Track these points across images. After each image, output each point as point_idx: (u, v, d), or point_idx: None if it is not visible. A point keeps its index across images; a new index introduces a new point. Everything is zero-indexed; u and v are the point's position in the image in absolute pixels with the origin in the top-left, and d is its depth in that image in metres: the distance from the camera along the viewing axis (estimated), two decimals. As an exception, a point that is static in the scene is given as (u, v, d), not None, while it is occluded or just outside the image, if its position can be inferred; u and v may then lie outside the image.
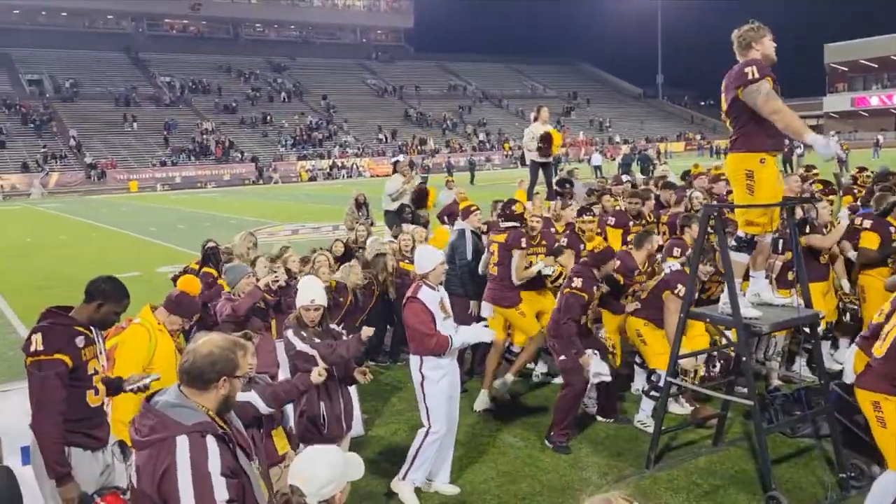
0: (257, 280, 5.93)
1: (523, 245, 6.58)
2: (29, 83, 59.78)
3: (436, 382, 4.88)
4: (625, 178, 13.56)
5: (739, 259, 4.79)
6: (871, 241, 6.74)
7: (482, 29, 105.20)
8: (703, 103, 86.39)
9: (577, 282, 5.75)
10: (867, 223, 6.82)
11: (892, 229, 6.71)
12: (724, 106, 4.64)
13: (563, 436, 5.67)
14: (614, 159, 41.18)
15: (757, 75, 4.40)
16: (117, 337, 4.50)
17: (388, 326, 8.26)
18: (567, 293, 5.77)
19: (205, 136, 55.59)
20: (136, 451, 2.61)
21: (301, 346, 4.41)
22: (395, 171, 11.77)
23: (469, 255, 7.05)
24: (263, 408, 3.61)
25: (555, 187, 10.00)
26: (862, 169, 11.16)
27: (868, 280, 6.77)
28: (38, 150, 49.45)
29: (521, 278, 6.50)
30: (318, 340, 4.43)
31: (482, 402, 6.58)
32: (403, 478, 4.94)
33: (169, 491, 2.45)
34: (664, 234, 7.68)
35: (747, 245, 4.73)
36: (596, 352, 5.76)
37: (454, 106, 71.25)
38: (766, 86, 4.37)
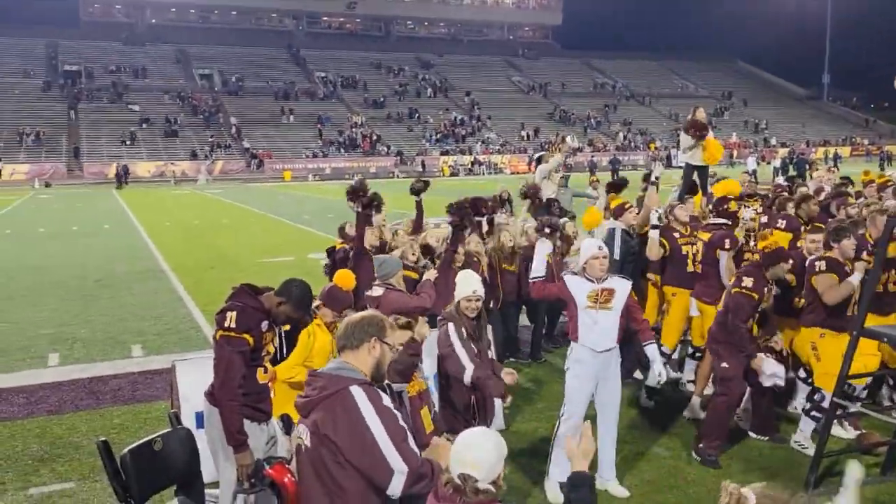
0: None
1: (727, 246, 6.37)
2: (200, 77, 64.76)
3: (574, 371, 4.94)
4: (781, 180, 12.73)
5: None
6: None
7: (631, 25, 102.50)
8: (873, 106, 79.61)
9: (748, 281, 5.42)
10: None
11: None
12: None
13: (713, 448, 5.43)
14: (769, 163, 38.91)
15: None
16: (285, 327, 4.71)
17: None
18: (736, 293, 5.45)
19: (354, 130, 57.88)
20: (304, 415, 2.86)
21: (459, 349, 4.44)
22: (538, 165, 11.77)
23: (617, 255, 6.88)
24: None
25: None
26: None
27: None
28: (205, 140, 53.50)
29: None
30: (472, 344, 4.49)
31: (693, 410, 6.35)
32: (548, 475, 4.96)
33: (357, 429, 2.68)
34: None
35: None
36: (768, 354, 5.48)
37: (599, 104, 70.01)
38: None
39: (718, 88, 78.08)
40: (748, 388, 5.74)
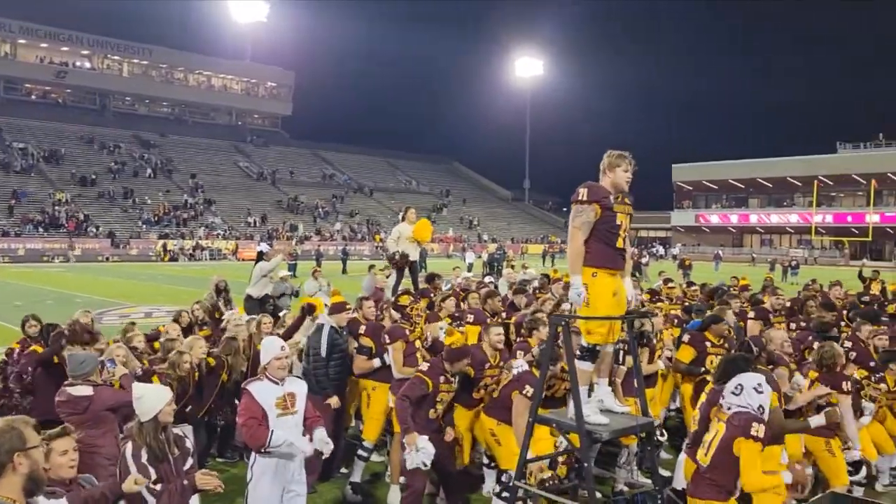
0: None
1: (387, 341, 6.76)
2: None
3: (258, 480, 4.76)
4: (488, 279, 13.99)
5: (583, 367, 4.95)
6: (686, 354, 7.22)
7: (359, 121, 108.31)
8: (565, 209, 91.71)
9: (425, 366, 5.92)
10: (686, 337, 7.28)
11: (707, 344, 7.12)
12: None
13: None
14: (480, 257, 42.60)
15: (585, 198, 4.65)
16: None
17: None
18: (416, 374, 5.89)
19: (56, 208, 52.43)
20: None
21: (133, 472, 4.05)
22: (258, 260, 11.70)
23: (323, 353, 6.81)
24: None
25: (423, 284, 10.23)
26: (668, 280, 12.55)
27: (687, 389, 7.23)
28: None
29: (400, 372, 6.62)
30: (156, 462, 4.12)
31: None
32: None
33: None
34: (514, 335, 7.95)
35: (590, 354, 4.91)
36: (425, 438, 5.60)
37: (328, 194, 71.57)
38: (589, 214, 4.66)
39: (438, 186, 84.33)
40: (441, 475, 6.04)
